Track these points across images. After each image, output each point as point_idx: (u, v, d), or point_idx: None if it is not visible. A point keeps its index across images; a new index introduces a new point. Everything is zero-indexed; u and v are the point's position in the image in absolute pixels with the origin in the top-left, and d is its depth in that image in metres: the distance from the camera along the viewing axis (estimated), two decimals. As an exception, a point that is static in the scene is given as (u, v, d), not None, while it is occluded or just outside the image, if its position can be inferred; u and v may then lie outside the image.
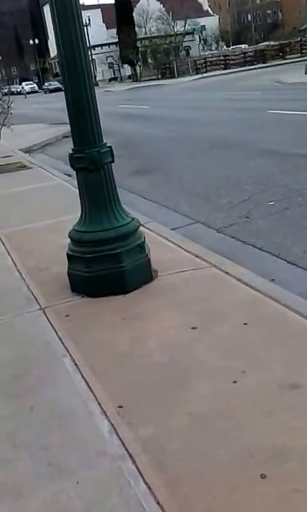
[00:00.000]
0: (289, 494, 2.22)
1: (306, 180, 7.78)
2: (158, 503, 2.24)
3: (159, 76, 62.05)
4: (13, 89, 18.76)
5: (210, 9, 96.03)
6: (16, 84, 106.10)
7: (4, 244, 6.03)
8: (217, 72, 53.28)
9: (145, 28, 78.13)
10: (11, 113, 11.53)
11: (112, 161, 4.32)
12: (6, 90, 13.54)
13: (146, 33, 76.99)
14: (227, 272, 4.51)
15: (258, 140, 11.77)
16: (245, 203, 7.08)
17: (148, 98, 33.21)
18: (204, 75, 51.79)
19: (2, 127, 11.39)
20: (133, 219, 4.40)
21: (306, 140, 11.13)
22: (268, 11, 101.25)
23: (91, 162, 4.15)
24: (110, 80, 76.53)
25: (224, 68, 56.16)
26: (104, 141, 4.26)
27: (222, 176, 8.71)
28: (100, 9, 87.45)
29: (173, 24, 75.99)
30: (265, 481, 2.30)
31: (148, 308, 4.03)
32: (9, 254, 5.67)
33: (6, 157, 12.37)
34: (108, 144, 4.28)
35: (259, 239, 5.75)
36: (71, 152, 4.30)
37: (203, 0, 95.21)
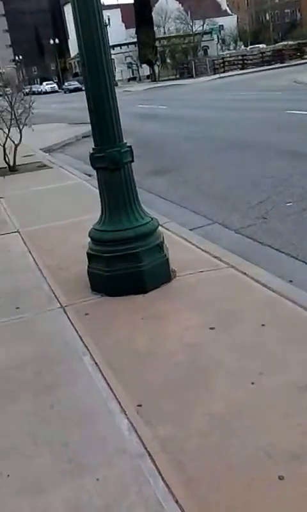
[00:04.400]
0: (307, 496, 2.23)
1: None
2: (176, 502, 2.26)
3: (177, 76, 62.04)
4: (34, 89, 18.84)
5: (228, 9, 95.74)
6: (36, 83, 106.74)
7: (25, 243, 6.09)
8: (235, 72, 53.16)
9: (164, 28, 78.14)
10: (32, 113, 11.59)
11: (132, 161, 4.34)
12: (27, 90, 13.60)
13: (164, 33, 77.01)
14: (245, 273, 4.51)
15: (276, 141, 11.73)
16: (263, 204, 7.08)
17: (166, 98, 33.20)
18: (222, 75, 51.68)
19: (23, 127, 11.45)
20: (152, 219, 4.42)
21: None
22: (287, 11, 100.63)
23: (111, 161, 4.19)
24: (129, 80, 76.67)
25: (242, 68, 56.01)
26: (124, 140, 4.29)
27: (240, 177, 8.70)
28: (119, 9, 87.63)
29: (191, 24, 75.91)
30: (283, 483, 2.31)
31: (166, 308, 4.05)
32: (30, 253, 5.72)
33: (26, 156, 12.45)
34: (128, 144, 4.31)
35: (277, 239, 5.74)
36: (91, 151, 4.33)
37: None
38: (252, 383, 3.01)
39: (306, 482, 2.30)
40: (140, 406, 2.89)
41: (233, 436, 2.62)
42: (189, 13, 77.89)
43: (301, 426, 2.64)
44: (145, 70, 73.73)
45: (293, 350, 3.32)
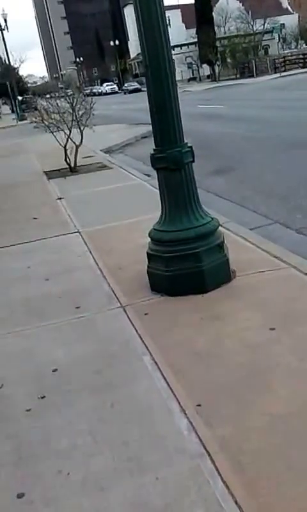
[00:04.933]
0: None
1: None
2: (236, 502, 2.24)
3: (238, 75, 61.51)
4: (94, 90, 19.09)
5: (289, 7, 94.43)
6: (97, 85, 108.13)
7: (86, 243, 6.17)
8: (297, 71, 52.26)
9: (224, 27, 77.76)
10: (93, 114, 11.72)
11: (193, 161, 4.34)
12: (87, 91, 13.81)
13: (225, 33, 76.62)
14: (306, 274, 4.44)
15: None
16: (325, 204, 6.96)
17: (226, 97, 33.02)
18: (283, 74, 50.91)
19: (84, 128, 11.60)
20: (212, 219, 4.41)
21: None
22: None
23: (172, 162, 4.19)
24: (189, 80, 76.57)
25: (303, 67, 55.02)
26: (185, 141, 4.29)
27: (301, 177, 8.56)
28: (179, 10, 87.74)
29: (251, 23, 75.31)
30: None
31: (226, 308, 4.03)
32: (91, 253, 5.79)
33: (87, 157, 12.61)
34: (189, 144, 4.31)
35: None
36: (152, 152, 4.35)
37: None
38: (314, 385, 2.96)
39: None
40: (199, 405, 2.89)
41: (294, 438, 2.58)
42: (250, 12, 77.31)
43: None
44: (205, 70, 73.47)
45: None
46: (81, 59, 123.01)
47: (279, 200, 7.52)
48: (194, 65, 77.79)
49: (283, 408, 2.80)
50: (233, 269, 4.51)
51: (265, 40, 73.53)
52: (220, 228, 4.59)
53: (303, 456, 2.46)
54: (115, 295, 4.55)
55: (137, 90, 71.02)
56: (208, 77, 72.05)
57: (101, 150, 14.39)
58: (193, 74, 79.54)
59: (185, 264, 4.22)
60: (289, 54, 63.55)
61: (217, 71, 66.18)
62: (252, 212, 7.12)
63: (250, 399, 2.91)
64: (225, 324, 3.79)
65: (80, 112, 11.60)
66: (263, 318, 3.79)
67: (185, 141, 4.31)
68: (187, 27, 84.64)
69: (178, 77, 71.89)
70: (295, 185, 8.10)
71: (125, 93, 77.19)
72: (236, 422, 2.74)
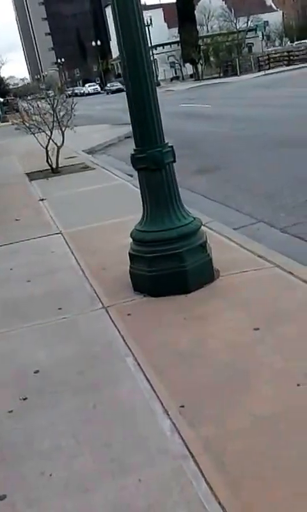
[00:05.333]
0: None
1: None
2: (219, 503, 2.23)
3: (221, 74, 61.58)
4: (76, 91, 19.05)
5: (273, 5, 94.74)
6: (79, 85, 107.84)
7: (68, 244, 6.14)
8: (281, 69, 52.47)
9: (207, 26, 77.81)
10: (74, 115, 11.70)
11: (174, 161, 4.33)
12: (69, 92, 13.79)
13: (207, 31, 76.65)
14: (291, 273, 4.44)
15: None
16: (309, 202, 6.97)
17: (210, 96, 33.05)
18: (267, 72, 51.07)
19: (65, 129, 11.56)
20: (194, 218, 4.40)
21: None
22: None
23: (152, 162, 4.18)
24: (171, 79, 76.67)
25: (288, 65, 55.24)
26: (166, 141, 4.28)
27: (286, 175, 8.59)
28: (161, 9, 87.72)
29: (235, 21, 75.43)
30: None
31: (209, 308, 4.02)
32: (73, 253, 5.77)
33: (69, 158, 12.57)
34: (170, 144, 4.30)
35: (325, 238, 5.65)
36: (133, 152, 4.33)
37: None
38: (298, 385, 2.95)
39: None
40: (182, 406, 2.88)
41: (277, 439, 2.58)
42: (233, 10, 77.43)
43: None
44: (188, 69, 73.56)
45: None
46: (63, 60, 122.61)
47: (264, 199, 7.52)
48: (176, 64, 77.86)
49: (266, 409, 2.79)
50: (216, 269, 4.50)
51: (248, 38, 73.77)
52: (203, 227, 4.58)
53: (287, 455, 2.46)
54: (97, 296, 4.53)
55: (120, 90, 70.82)
56: (191, 76, 72.14)
57: (83, 151, 14.34)
58: (176, 73, 79.63)
59: (168, 264, 4.20)
60: (273, 52, 63.80)
61: (200, 70, 66.28)
62: (237, 212, 7.11)
63: (233, 399, 2.91)
64: (208, 324, 3.79)
65: (61, 114, 11.56)
66: (247, 318, 3.79)
67: (166, 141, 4.30)
68: (169, 26, 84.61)
69: (160, 77, 72.06)
70: (281, 184, 8.11)
71: (107, 93, 77.03)
72: (220, 423, 2.73)
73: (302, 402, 2.82)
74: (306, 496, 2.23)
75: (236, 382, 3.06)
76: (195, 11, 69.77)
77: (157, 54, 75.49)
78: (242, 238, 5.49)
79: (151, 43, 70.85)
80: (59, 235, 6.62)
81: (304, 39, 78.58)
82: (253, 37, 72.84)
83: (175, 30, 73.50)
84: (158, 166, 4.19)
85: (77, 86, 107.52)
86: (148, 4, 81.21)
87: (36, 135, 11.59)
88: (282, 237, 5.93)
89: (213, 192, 8.29)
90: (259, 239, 5.58)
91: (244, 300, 4.08)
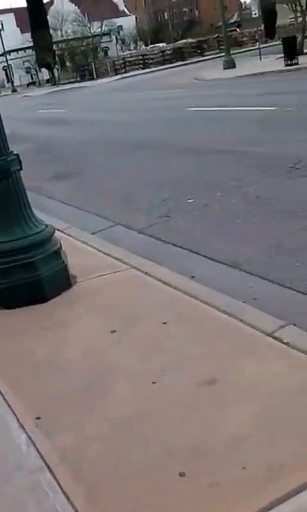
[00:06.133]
0: (207, 489, 2.26)
1: (224, 175, 7.89)
2: (76, 511, 2.23)
3: (78, 78, 61.61)
4: None
5: (126, 9, 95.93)
6: None
7: None
8: (137, 72, 53.42)
9: (61, 31, 77.43)
10: None
11: (21, 169, 4.27)
12: None
13: (62, 36, 76.33)
14: (147, 273, 4.53)
15: (177, 139, 11.88)
16: (165, 202, 7.13)
17: (66, 101, 32.96)
18: (124, 75, 51.79)
19: None
20: (46, 226, 4.36)
21: (224, 136, 11.30)
22: (185, 9, 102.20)
23: (-2, 171, 4.10)
24: (28, 85, 75.59)
25: (143, 68, 56.37)
26: (10, 149, 4.22)
27: (143, 177, 8.75)
28: (13, 13, 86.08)
29: (89, 26, 75.62)
30: (183, 479, 2.32)
31: (66, 315, 4.00)
32: None
33: None
34: (15, 152, 4.24)
35: (180, 237, 5.80)
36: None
37: (118, 0, 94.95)
38: (154, 383, 3.01)
39: (206, 475, 2.32)
40: (39, 418, 2.84)
41: (133, 440, 2.61)
42: (86, 14, 77.53)
43: (202, 420, 2.67)
44: (44, 74, 72.84)
45: (194, 345, 3.36)
46: None
47: (122, 201, 7.61)
48: (32, 70, 76.87)
49: (123, 411, 2.82)
50: (73, 275, 4.49)
51: (103, 42, 74.41)
52: (60, 234, 4.58)
53: (144, 456, 2.50)
54: None
55: None
56: (47, 81, 71.50)
57: None
58: (32, 79, 78.58)
59: (22, 274, 4.13)
60: (128, 56, 64.74)
61: (56, 75, 65.88)
62: (95, 216, 7.13)
63: (91, 405, 2.91)
64: (66, 331, 3.77)
65: None
66: (104, 321, 3.81)
67: (19, 147, 4.24)
68: (22, 31, 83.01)
69: (16, 82, 70.62)
70: (137, 186, 8.26)
71: None
72: (77, 431, 2.72)
73: (157, 400, 2.88)
74: (160, 492, 2.27)
75: (93, 387, 3.06)
76: (48, 16, 69.20)
77: (11, 59, 74.24)
78: (99, 242, 5.53)
79: (4, 48, 69.73)
80: None
81: (158, 42, 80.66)
82: (108, 41, 73.53)
83: (29, 35, 72.42)
84: (4, 175, 4.12)
85: None
86: (-1, 8, 79.45)
87: None
88: (139, 238, 6.03)
89: (72, 197, 8.27)
90: (117, 242, 5.63)
91: (101, 304, 4.10)
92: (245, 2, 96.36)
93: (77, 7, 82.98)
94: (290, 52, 26.56)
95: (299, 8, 32.08)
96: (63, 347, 3.55)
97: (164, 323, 3.66)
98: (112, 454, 2.53)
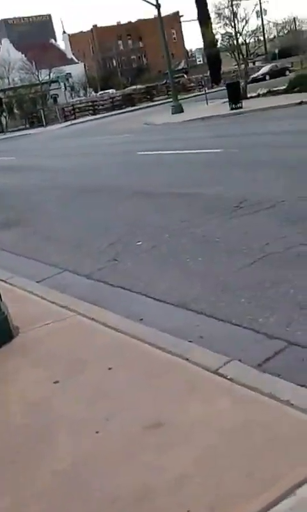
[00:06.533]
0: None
1: (172, 217, 7.98)
2: None
3: (27, 126, 61.89)
4: None
5: (74, 57, 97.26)
6: None
7: None
8: (87, 118, 53.95)
9: (8, 79, 77.89)
10: None
11: None
12: None
13: (9, 83, 76.78)
14: (93, 319, 4.49)
15: (128, 183, 11.97)
16: (113, 246, 7.12)
17: (14, 148, 32.96)
18: (74, 121, 52.24)
19: None
20: (-16, 279, 4.30)
21: (173, 179, 11.45)
22: (133, 57, 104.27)
23: None
24: (-26, 134, 75.27)
25: (93, 114, 57.07)
26: None
27: (92, 222, 8.75)
28: None
29: (37, 73, 76.30)
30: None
31: (8, 368, 3.91)
32: None
33: None
34: None
35: (128, 280, 5.78)
36: None
37: (66, 48, 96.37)
38: (97, 432, 2.95)
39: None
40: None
41: (77, 490, 2.56)
42: (34, 62, 78.23)
43: (147, 465, 2.64)
44: (-8, 122, 72.73)
45: (140, 389, 3.34)
46: None
47: (70, 247, 7.57)
48: (-21, 118, 76.74)
49: (68, 463, 2.77)
50: (15, 326, 4.41)
51: (53, 89, 74.94)
52: (3, 284, 4.50)
53: (88, 506, 2.45)
54: None
55: None
56: (-5, 129, 71.30)
57: None
58: (-22, 127, 78.28)
59: None
60: (78, 102, 65.53)
61: (4, 122, 65.98)
62: (42, 263, 7.02)
63: (33, 461, 2.84)
64: (6, 386, 3.67)
65: None
66: (47, 372, 3.74)
67: None
68: None
69: None
70: (86, 231, 8.25)
71: None
72: (18, 490, 2.63)
73: (101, 448, 2.82)
74: None
75: (35, 442, 2.99)
76: (-6, 64, 69.62)
77: None
78: (45, 290, 5.46)
79: None
80: None
81: (107, 89, 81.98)
82: (57, 88, 74.17)
83: (-26, 84, 72.52)
84: None
85: None
86: None
87: None
88: (87, 283, 5.98)
89: (19, 245, 8.18)
90: (64, 289, 5.58)
91: (44, 354, 4.03)
92: (191, 50, 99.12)
93: (23, 55, 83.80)
94: (235, 96, 27.75)
95: (240, 56, 33.45)
96: (3, 402, 3.46)
97: (110, 368, 3.63)
98: (56, 507, 2.45)
